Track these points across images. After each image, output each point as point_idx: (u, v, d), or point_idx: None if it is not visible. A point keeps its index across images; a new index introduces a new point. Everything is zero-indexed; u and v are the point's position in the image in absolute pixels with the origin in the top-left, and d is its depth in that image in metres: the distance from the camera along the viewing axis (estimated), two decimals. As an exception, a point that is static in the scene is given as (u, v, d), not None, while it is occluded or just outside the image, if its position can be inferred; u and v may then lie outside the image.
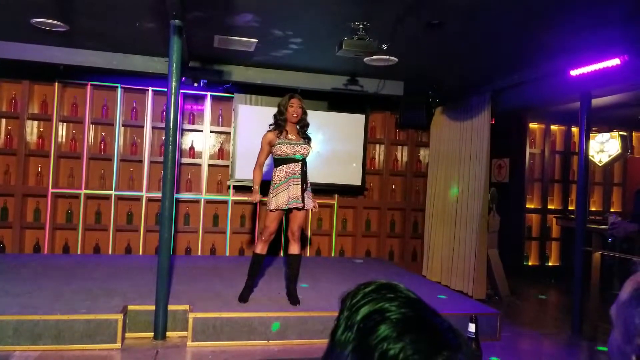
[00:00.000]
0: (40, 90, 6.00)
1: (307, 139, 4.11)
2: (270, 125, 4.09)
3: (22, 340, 3.36)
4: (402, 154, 7.12)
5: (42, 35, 4.67)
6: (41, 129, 6.03)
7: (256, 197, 4.02)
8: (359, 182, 6.68)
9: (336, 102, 6.44)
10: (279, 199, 3.93)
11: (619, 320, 0.90)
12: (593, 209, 7.15)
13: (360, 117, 6.65)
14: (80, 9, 4.04)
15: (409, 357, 0.56)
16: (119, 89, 6.10)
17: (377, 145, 7.01)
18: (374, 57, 4.60)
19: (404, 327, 0.59)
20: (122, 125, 6.17)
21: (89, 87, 6.02)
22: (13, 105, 5.90)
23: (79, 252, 5.96)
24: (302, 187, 3.95)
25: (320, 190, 5.91)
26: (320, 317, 3.85)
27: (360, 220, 6.84)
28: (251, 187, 6.23)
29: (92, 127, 6.11)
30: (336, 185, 6.59)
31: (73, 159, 6.05)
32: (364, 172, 6.70)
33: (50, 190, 5.91)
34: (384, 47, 4.00)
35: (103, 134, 6.18)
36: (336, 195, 6.73)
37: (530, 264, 7.12)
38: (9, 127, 5.93)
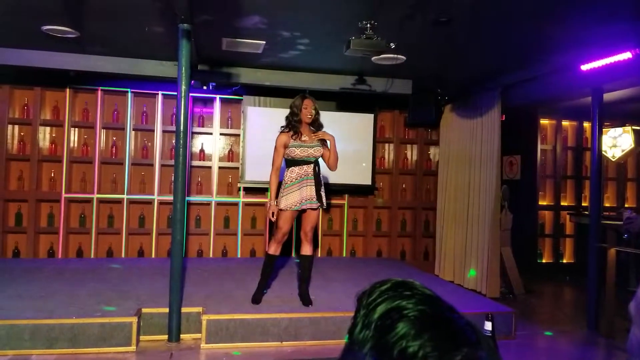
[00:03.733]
0: (51, 96, 6.07)
1: (322, 140, 4.07)
2: (282, 127, 4.07)
3: (38, 344, 3.40)
4: (411, 153, 7.09)
5: (53, 42, 4.72)
6: (53, 135, 6.10)
7: (273, 213, 3.95)
8: (369, 182, 6.66)
9: (344, 102, 6.44)
10: (289, 199, 3.92)
11: (638, 316, 0.89)
12: (607, 204, 7.06)
13: (369, 117, 6.64)
14: (90, 16, 4.08)
15: (429, 354, 0.55)
16: (129, 94, 6.15)
17: (387, 145, 6.99)
18: (382, 56, 4.58)
19: (422, 324, 0.58)
20: (133, 130, 6.22)
21: (99, 92, 6.08)
22: (25, 112, 5.97)
23: (92, 256, 6.02)
24: (316, 187, 3.95)
25: (330, 190, 5.90)
26: (333, 317, 3.85)
27: (371, 220, 6.82)
28: (261, 188, 6.35)
29: (103, 131, 6.17)
30: (346, 185, 6.57)
31: (85, 164, 6.11)
32: (374, 172, 6.68)
33: (63, 195, 5.97)
34: (392, 45, 3.99)
35: (114, 138, 6.23)
36: (346, 195, 6.73)
37: (544, 261, 7.05)
38: (22, 134, 6.00)
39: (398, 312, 0.60)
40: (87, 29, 4.42)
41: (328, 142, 4.05)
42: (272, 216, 3.94)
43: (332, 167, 4.08)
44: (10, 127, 5.94)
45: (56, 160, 6.01)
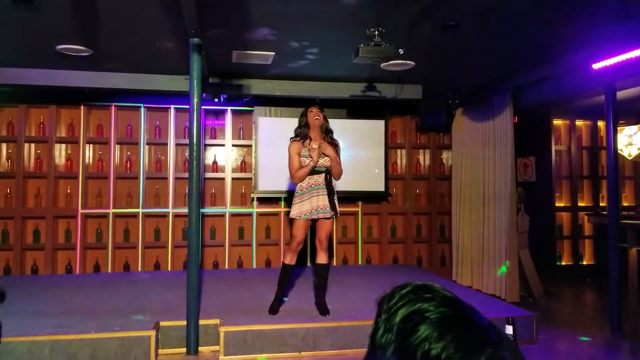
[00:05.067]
0: (66, 113, 6.17)
1: (334, 146, 4.06)
2: (291, 138, 4.09)
3: (58, 359, 3.42)
4: (424, 158, 7.06)
5: (67, 60, 4.81)
6: (69, 152, 6.19)
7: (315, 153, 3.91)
8: (382, 188, 6.64)
9: (355, 109, 6.45)
10: (300, 208, 3.94)
11: None
12: (625, 204, 6.95)
13: (380, 123, 6.64)
14: (103, 33, 4.15)
15: (452, 356, 0.55)
16: (142, 109, 6.23)
17: (399, 150, 6.98)
18: (391, 62, 4.60)
19: (444, 326, 0.58)
20: (147, 144, 6.29)
21: (113, 108, 6.16)
22: (41, 130, 6.08)
23: (109, 271, 6.07)
24: (329, 196, 3.94)
25: (344, 197, 5.89)
26: (351, 326, 3.81)
27: (386, 227, 6.79)
28: (275, 198, 6.37)
29: (117, 147, 6.25)
30: (359, 192, 6.57)
31: (100, 179, 6.19)
32: (387, 178, 6.66)
33: (80, 210, 6.04)
34: (401, 51, 3.99)
35: (128, 153, 6.30)
36: (360, 202, 6.71)
37: (563, 263, 6.94)
38: (38, 151, 6.10)
39: (419, 314, 0.60)
40: (100, 47, 4.49)
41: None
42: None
43: (335, 178, 4.08)
44: (26, 145, 6.04)
45: (72, 177, 6.10)
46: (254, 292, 4.84)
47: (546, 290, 5.74)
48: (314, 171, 3.96)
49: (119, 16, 3.73)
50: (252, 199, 6.42)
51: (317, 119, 3.99)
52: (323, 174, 3.98)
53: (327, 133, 4.06)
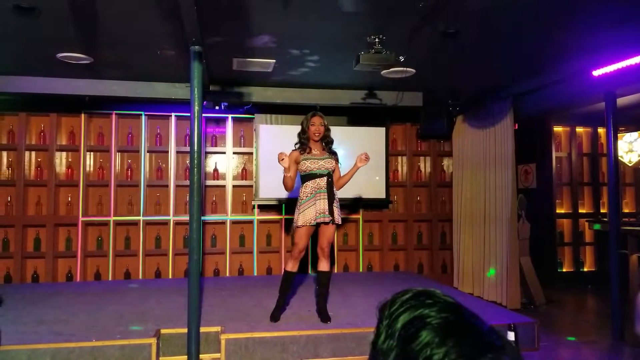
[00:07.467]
0: (67, 122, 6.18)
1: (333, 154, 4.11)
2: (295, 144, 4.12)
3: (59, 367, 3.41)
4: (425, 165, 7.07)
5: (68, 68, 4.83)
6: (70, 160, 6.20)
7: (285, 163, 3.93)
8: (383, 195, 6.64)
9: (356, 116, 6.46)
10: (306, 215, 3.93)
11: None
12: (626, 210, 6.95)
13: (381, 130, 6.64)
14: (103, 41, 4.17)
15: None
16: (143, 117, 6.25)
17: (400, 157, 6.98)
18: (392, 69, 4.62)
19: (446, 332, 0.58)
20: (147, 152, 6.30)
21: (113, 116, 6.18)
22: (42, 138, 6.09)
23: (110, 279, 6.06)
24: (329, 200, 3.95)
25: (345, 205, 5.89)
26: (352, 333, 3.80)
27: (387, 234, 6.78)
28: (275, 205, 6.37)
29: (118, 155, 6.25)
30: (360, 200, 6.56)
31: (101, 187, 6.19)
32: (388, 185, 6.66)
33: (81, 218, 6.04)
34: (401, 59, 4.01)
35: (129, 161, 6.31)
36: (361, 210, 6.70)
37: (564, 270, 6.93)
38: (39, 160, 6.11)
39: (421, 320, 0.60)
40: (101, 54, 4.51)
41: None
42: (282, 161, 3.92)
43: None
44: (27, 153, 6.05)
45: (73, 185, 6.10)
46: (255, 299, 4.83)
47: (548, 297, 5.73)
48: (316, 175, 3.98)
49: (119, 24, 3.75)
50: (253, 207, 6.42)
51: (317, 134, 4.02)
52: (325, 177, 4.00)
53: (327, 144, 4.09)
